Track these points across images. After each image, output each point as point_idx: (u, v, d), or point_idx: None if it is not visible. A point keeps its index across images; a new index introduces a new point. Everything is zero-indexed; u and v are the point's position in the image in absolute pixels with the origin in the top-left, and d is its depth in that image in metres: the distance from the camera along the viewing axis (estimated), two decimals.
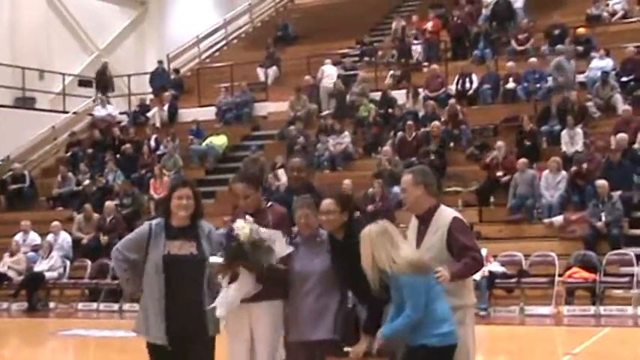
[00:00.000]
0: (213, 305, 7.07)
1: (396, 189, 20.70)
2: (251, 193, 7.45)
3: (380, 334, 6.67)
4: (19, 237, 23.17)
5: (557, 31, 26.16)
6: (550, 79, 23.95)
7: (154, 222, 7.39)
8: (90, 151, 28.08)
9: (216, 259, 7.12)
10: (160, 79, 31.56)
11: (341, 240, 7.21)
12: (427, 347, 6.52)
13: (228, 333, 7.36)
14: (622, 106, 21.91)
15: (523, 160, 20.38)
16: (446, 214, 6.98)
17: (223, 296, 7.09)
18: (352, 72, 28.07)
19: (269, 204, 7.62)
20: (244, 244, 6.96)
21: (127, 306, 20.73)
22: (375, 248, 6.58)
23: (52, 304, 21.87)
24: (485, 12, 28.33)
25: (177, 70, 32.62)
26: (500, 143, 21.20)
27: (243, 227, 7.01)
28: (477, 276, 17.12)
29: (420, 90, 25.26)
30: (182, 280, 7.13)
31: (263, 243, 7.01)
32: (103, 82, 31.62)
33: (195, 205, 7.24)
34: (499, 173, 20.73)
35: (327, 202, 7.20)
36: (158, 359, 7.26)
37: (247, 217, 7.17)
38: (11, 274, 22.02)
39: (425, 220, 6.97)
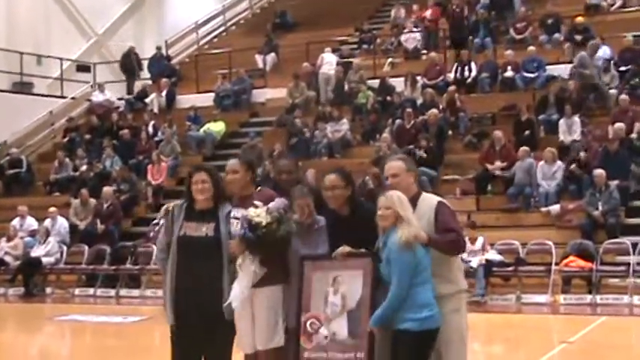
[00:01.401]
0: (228, 301, 7.15)
1: None
2: (239, 170, 7.50)
3: (370, 322, 6.73)
4: (16, 222, 23.16)
5: (550, 20, 26.21)
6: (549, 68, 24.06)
7: (176, 204, 7.57)
8: (87, 136, 28.05)
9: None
10: (158, 65, 31.49)
11: (346, 215, 7.27)
12: (407, 332, 6.64)
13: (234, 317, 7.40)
14: (620, 96, 21.88)
15: (524, 148, 20.39)
16: (430, 199, 7.10)
17: (235, 288, 7.17)
18: (349, 59, 28.01)
19: (258, 189, 7.65)
20: (270, 224, 7.04)
21: (123, 292, 20.79)
22: (402, 208, 6.70)
23: (48, 290, 21.87)
24: (483, 0, 28.27)
25: (169, 57, 32.55)
26: (498, 133, 21.17)
27: (259, 213, 7.07)
28: (474, 263, 17.25)
29: (418, 78, 25.23)
30: (194, 260, 7.27)
31: (282, 215, 7.11)
32: (127, 66, 31.54)
33: (214, 188, 7.38)
34: (497, 162, 20.73)
35: (331, 178, 7.30)
36: (177, 341, 7.41)
37: (255, 202, 7.24)
38: (8, 259, 22.04)
39: None
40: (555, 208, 19.38)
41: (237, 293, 7.14)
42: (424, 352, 6.75)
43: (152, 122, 27.31)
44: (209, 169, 7.54)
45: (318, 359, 7.01)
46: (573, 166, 19.81)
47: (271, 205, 7.15)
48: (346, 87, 26.24)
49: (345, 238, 7.07)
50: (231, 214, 7.38)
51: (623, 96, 21.57)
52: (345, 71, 26.71)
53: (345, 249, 6.96)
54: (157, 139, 26.45)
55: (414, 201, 6.96)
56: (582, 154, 19.87)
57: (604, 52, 23.57)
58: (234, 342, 7.44)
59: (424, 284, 6.68)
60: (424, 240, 6.69)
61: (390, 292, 6.64)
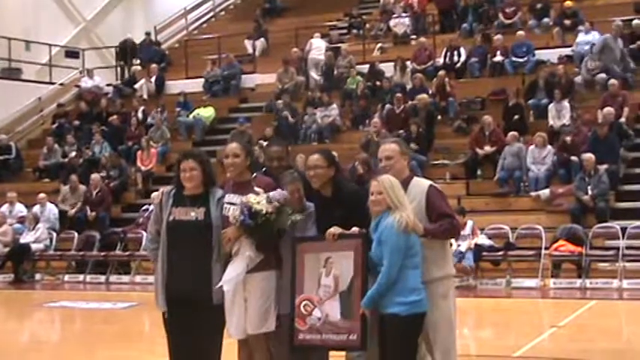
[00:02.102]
0: (220, 284, 7.13)
1: None
2: (241, 154, 7.45)
3: (362, 305, 6.77)
4: (4, 208, 23.08)
5: (539, 5, 26.24)
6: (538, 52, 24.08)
7: (165, 191, 7.54)
8: (76, 122, 27.97)
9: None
10: (147, 50, 31.41)
11: (329, 196, 7.33)
12: (395, 315, 6.69)
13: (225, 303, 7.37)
14: (609, 81, 21.85)
15: (513, 133, 20.40)
16: (422, 183, 7.19)
17: (229, 272, 7.15)
18: (338, 45, 27.96)
19: (253, 175, 7.61)
20: (270, 213, 7.03)
21: (113, 278, 20.77)
22: (394, 193, 6.76)
23: (38, 276, 21.82)
24: None
25: (158, 43, 32.46)
26: (487, 118, 21.18)
27: (260, 201, 7.06)
28: (463, 248, 17.27)
29: (408, 63, 25.21)
30: (184, 245, 7.25)
31: (283, 206, 7.10)
32: (124, 52, 31.46)
33: (202, 173, 7.35)
34: (486, 147, 20.74)
35: (314, 157, 7.36)
36: (168, 327, 7.41)
37: (256, 189, 7.22)
38: None
39: None
40: (545, 192, 19.39)
41: (232, 277, 7.11)
42: (412, 336, 6.80)
43: (141, 108, 27.23)
44: (197, 155, 7.48)
45: (312, 341, 7.04)
46: (567, 137, 19.79)
47: (272, 193, 7.12)
48: (335, 72, 26.22)
49: (329, 219, 7.11)
50: (225, 200, 7.36)
51: (612, 80, 21.56)
52: (334, 56, 26.68)
53: (336, 230, 6.97)
54: (146, 124, 26.38)
55: (405, 184, 7.01)
56: (568, 138, 19.87)
57: (593, 36, 23.56)
58: (224, 327, 7.42)
59: (415, 269, 6.73)
60: (420, 232, 6.76)
61: (381, 273, 6.67)
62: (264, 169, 8.05)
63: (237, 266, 7.14)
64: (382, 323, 6.80)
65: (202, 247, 7.24)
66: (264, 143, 20.37)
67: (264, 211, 7.00)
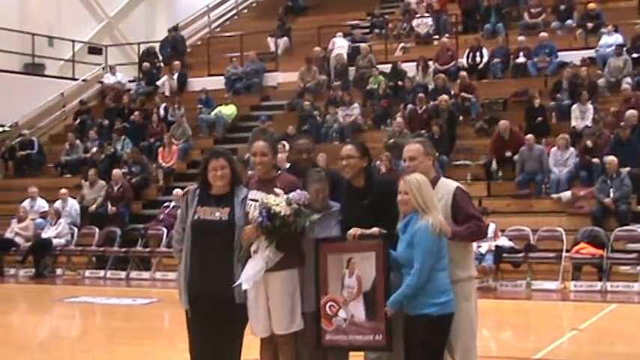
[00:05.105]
0: (239, 282, 7.14)
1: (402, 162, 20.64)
2: (268, 152, 7.47)
3: (388, 306, 6.75)
4: (26, 203, 23.19)
5: (563, 7, 26.17)
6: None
7: (191, 189, 7.60)
8: (99, 118, 28.05)
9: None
10: (169, 47, 31.43)
11: (361, 186, 7.34)
12: (426, 316, 6.68)
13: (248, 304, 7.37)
14: (622, 85, 21.81)
15: (530, 135, 20.32)
16: (448, 183, 7.20)
17: (248, 269, 7.15)
18: (360, 43, 27.95)
19: (278, 172, 7.62)
20: (288, 216, 7.03)
21: (133, 274, 20.83)
22: (420, 193, 6.73)
23: (59, 271, 21.90)
24: None
25: (182, 39, 32.52)
26: (503, 123, 20.94)
27: (279, 202, 7.06)
28: (483, 249, 17.23)
29: (430, 63, 25.18)
30: (208, 244, 7.27)
31: (301, 208, 7.09)
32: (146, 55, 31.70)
33: (231, 172, 7.37)
34: (507, 153, 20.64)
35: (347, 148, 7.41)
36: (190, 325, 7.42)
37: (276, 190, 7.20)
38: (19, 240, 22.06)
39: None
40: (566, 194, 19.34)
41: (250, 275, 7.11)
42: (442, 336, 6.80)
43: (163, 105, 27.29)
44: (226, 154, 7.51)
45: (339, 341, 7.06)
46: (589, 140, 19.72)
47: (292, 195, 7.10)
48: (356, 72, 26.23)
49: (360, 209, 7.14)
50: (249, 196, 7.37)
51: (625, 85, 21.50)
52: (353, 56, 26.72)
53: (357, 231, 6.96)
54: (167, 121, 26.44)
55: (432, 185, 6.98)
56: (589, 142, 19.80)
57: (616, 39, 23.50)
58: (246, 326, 7.43)
59: (444, 270, 6.74)
60: (448, 235, 6.76)
61: (412, 275, 6.66)
62: (288, 165, 8.06)
63: (256, 264, 7.14)
64: (409, 325, 6.78)
65: (225, 247, 7.25)
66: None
67: (282, 214, 7.01)
